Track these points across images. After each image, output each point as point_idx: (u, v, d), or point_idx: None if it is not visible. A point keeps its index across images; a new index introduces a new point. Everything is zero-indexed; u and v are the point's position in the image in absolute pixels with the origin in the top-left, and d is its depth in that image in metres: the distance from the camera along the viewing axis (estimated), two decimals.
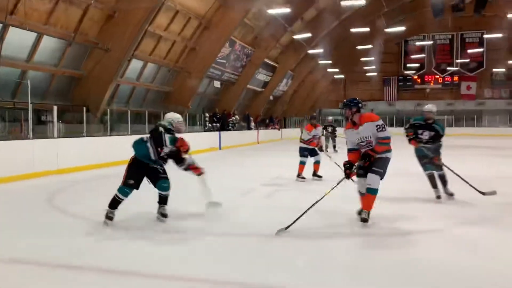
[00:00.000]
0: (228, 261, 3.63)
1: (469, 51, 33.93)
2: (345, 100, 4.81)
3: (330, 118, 16.99)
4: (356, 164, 4.70)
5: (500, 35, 27.75)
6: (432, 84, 38.58)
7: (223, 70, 22.20)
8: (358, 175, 4.72)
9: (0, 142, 8.94)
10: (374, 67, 35.89)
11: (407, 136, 6.26)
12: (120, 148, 11.44)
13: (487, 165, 11.30)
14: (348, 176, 4.67)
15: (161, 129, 4.74)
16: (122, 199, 4.66)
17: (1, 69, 12.20)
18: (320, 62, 31.38)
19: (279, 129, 27.53)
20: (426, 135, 6.12)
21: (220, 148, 17.32)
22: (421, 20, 30.40)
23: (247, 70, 24.45)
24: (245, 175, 9.54)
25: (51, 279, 3.27)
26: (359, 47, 29.21)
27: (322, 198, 4.56)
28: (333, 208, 5.25)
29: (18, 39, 12.19)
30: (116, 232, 4.58)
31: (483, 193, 5.91)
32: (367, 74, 38.05)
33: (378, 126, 4.56)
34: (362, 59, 33.37)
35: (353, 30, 23.70)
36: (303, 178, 8.33)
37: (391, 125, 30.67)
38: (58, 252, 3.89)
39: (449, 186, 6.11)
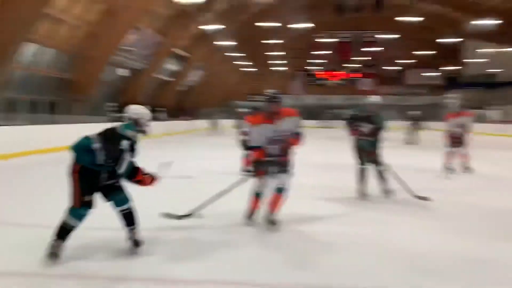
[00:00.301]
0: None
1: (368, 49, 36.56)
2: (270, 92, 4.28)
3: (245, 110, 16.29)
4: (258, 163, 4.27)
5: (395, 36, 30.26)
6: (335, 79, 40.90)
7: (130, 58, 21.32)
8: (262, 175, 4.30)
9: None
10: (282, 61, 37.02)
11: (349, 126, 5.84)
12: (12, 139, 10.52)
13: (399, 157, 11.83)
14: (254, 175, 4.32)
15: (124, 145, 3.48)
16: (75, 226, 3.35)
17: None
18: (230, 54, 31.56)
19: (190, 120, 27.19)
20: (366, 128, 5.73)
21: None
22: (327, 18, 31.98)
23: (156, 59, 23.77)
24: (154, 167, 9.26)
25: None
26: (268, 41, 29.91)
27: (218, 196, 4.40)
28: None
29: None
30: (8, 230, 4.20)
31: (418, 197, 5.63)
32: (275, 68, 39.17)
33: (298, 122, 4.31)
34: (271, 53, 34.22)
35: (262, 24, 24.15)
36: (250, 171, 8.06)
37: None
38: None
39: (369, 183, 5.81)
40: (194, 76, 31.32)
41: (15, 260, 3.39)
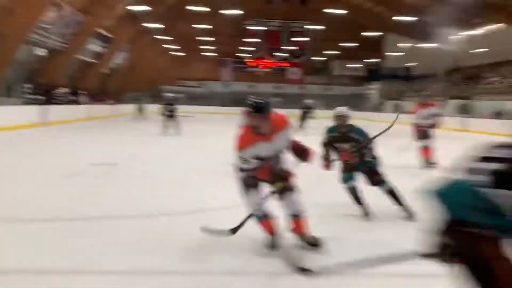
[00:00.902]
0: (48, 246, 3.37)
1: (296, 39, 37.42)
2: (251, 100, 3.17)
3: (170, 94, 15.74)
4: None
5: (320, 27, 31.24)
6: (263, 67, 41.44)
7: (48, 37, 19.88)
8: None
9: None
10: (211, 47, 36.71)
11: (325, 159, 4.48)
12: None
13: None
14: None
15: None
16: None
17: None
18: (158, 37, 30.64)
19: (114, 105, 26.10)
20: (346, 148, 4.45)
21: (45, 124, 15.59)
22: (256, 6, 32.15)
23: (77, 39, 22.39)
24: (74, 154, 8.85)
25: None
26: (197, 26, 29.46)
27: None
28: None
29: None
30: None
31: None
32: (205, 53, 38.79)
33: (290, 132, 3.36)
34: (200, 38, 33.77)
35: (191, 8, 23.69)
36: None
37: (228, 105, 32.23)
38: None
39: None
40: (119, 59, 30.01)
41: None
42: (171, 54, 38.46)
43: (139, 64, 33.98)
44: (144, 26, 27.08)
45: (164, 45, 35.02)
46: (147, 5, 22.41)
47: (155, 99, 25.65)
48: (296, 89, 40.32)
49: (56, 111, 17.05)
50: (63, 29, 20.71)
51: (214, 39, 34.41)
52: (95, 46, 25.45)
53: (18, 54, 18.00)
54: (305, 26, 34.74)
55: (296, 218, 3.37)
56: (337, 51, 38.15)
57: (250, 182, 3.26)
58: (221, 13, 26.64)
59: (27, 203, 4.67)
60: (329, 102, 37.46)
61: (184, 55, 38.74)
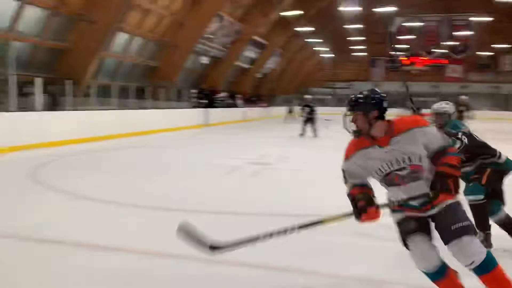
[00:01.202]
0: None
1: (457, 33, 34.03)
2: (353, 96, 2.37)
3: (309, 97, 15.65)
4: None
5: (487, 19, 27.86)
6: (419, 66, 38.72)
7: (211, 46, 21.91)
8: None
9: None
10: (361, 47, 35.85)
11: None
12: (105, 122, 11.43)
13: None
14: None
15: None
16: None
17: None
18: (308, 40, 31.16)
19: (266, 107, 27.48)
20: None
21: (207, 125, 17.26)
22: (411, 0, 30.31)
23: (235, 47, 24.18)
24: (232, 153, 9.59)
25: (39, 254, 3.27)
26: (347, 26, 29.07)
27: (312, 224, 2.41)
28: None
29: None
30: (104, 207, 4.59)
31: None
32: (355, 54, 38.05)
33: (434, 133, 2.38)
34: (350, 38, 33.27)
35: (342, 9, 23.49)
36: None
37: None
38: (45, 228, 3.88)
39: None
40: (271, 63, 31.43)
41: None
42: (321, 56, 38.75)
43: (290, 68, 35.08)
44: (296, 30, 27.81)
45: (315, 48, 35.47)
46: (299, 10, 22.98)
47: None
48: (457, 88, 36.71)
49: (216, 113, 18.72)
50: (223, 38, 22.60)
51: (361, 38, 33.53)
52: (250, 53, 27.13)
53: (186, 62, 20.27)
54: (470, 19, 31.36)
55: (484, 273, 2.11)
56: (509, 44, 33.55)
57: (408, 226, 2.28)
58: (373, 12, 25.81)
59: (191, 196, 5.19)
60: (497, 102, 33.44)
61: (334, 57, 38.66)
